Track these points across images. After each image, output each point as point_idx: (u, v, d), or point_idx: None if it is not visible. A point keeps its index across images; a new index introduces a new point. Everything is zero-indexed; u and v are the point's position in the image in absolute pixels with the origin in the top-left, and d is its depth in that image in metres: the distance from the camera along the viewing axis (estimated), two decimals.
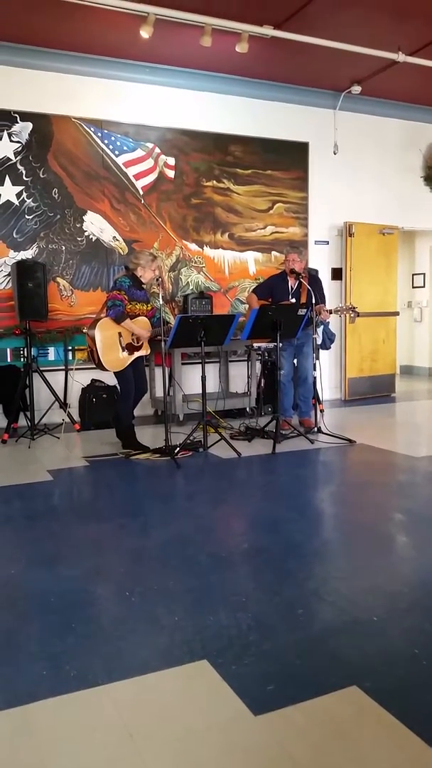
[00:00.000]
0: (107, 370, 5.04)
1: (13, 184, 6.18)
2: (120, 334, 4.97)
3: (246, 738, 1.70)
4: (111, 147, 6.59)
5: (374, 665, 2.02)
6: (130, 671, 2.01)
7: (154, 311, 5.23)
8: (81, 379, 6.35)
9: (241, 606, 2.44)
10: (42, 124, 6.26)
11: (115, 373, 5.08)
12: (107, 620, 2.37)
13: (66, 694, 1.90)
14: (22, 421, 5.92)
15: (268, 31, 5.74)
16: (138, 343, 5.07)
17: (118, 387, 5.29)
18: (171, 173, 6.89)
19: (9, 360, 6.25)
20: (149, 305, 5.23)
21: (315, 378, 5.77)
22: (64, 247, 6.45)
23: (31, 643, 2.21)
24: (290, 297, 5.73)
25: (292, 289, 5.75)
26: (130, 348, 5.03)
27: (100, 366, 4.96)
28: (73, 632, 2.27)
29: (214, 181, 7.10)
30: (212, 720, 1.78)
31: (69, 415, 6.01)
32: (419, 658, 2.05)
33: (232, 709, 1.81)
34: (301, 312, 5.26)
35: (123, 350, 5.00)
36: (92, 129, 6.49)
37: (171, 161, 6.87)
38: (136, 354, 5.08)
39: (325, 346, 6.32)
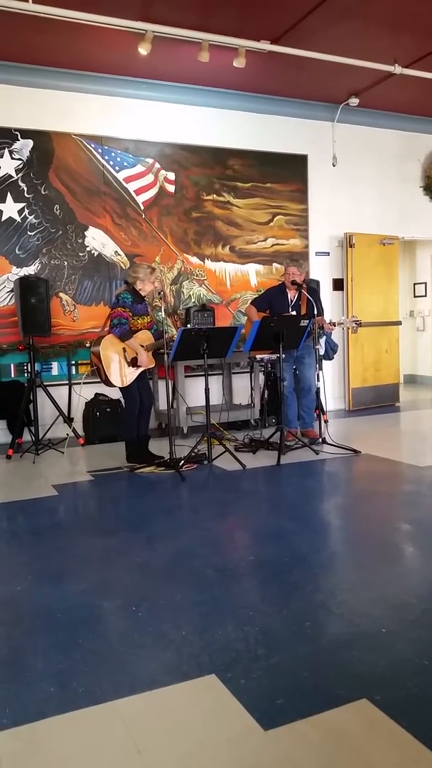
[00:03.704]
0: (114, 386, 5.05)
1: (14, 201, 6.23)
2: (124, 350, 4.98)
3: (256, 753, 1.68)
4: (111, 163, 6.65)
5: (384, 677, 2.00)
6: (138, 687, 2.00)
7: (153, 323, 5.26)
8: (85, 393, 6.36)
9: (248, 619, 2.42)
10: (42, 141, 6.32)
11: (120, 388, 5.08)
12: (114, 636, 2.35)
13: (74, 711, 1.89)
14: (27, 436, 5.92)
15: (265, 45, 5.80)
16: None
17: (123, 402, 5.29)
18: (171, 188, 6.93)
19: (13, 375, 6.27)
20: (149, 317, 5.26)
21: (318, 389, 5.76)
22: (66, 263, 6.48)
23: (38, 660, 2.19)
24: (290, 309, 5.73)
25: (291, 301, 5.76)
26: (135, 362, 5.05)
27: (106, 382, 4.98)
28: (80, 648, 2.26)
29: (214, 195, 7.14)
30: (222, 735, 1.76)
31: (73, 430, 6.01)
32: (430, 669, 2.03)
33: (241, 723, 1.80)
34: (304, 323, 5.26)
35: (128, 365, 5.01)
36: (92, 145, 6.55)
37: (171, 176, 6.92)
38: (141, 368, 5.09)
39: (328, 356, 6.31)
